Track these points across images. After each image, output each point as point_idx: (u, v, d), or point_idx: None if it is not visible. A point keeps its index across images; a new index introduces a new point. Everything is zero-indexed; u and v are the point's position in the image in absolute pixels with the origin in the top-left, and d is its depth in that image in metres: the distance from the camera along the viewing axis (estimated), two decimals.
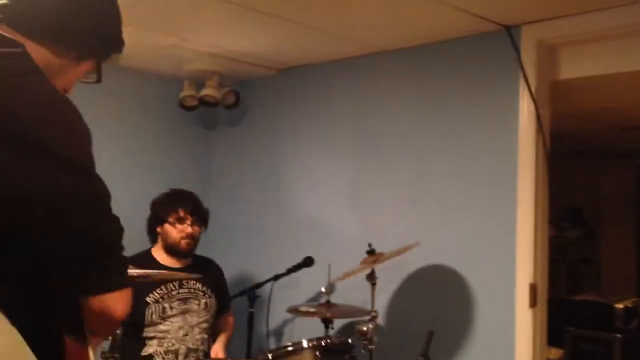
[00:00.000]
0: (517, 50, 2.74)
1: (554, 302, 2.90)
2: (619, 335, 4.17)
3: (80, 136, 1.06)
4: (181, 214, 2.91)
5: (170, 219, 2.90)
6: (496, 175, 2.82)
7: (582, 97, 3.86)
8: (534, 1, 2.53)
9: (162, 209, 2.94)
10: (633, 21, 2.47)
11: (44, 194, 0.98)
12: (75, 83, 1.23)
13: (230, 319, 3.16)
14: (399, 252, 2.75)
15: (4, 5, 1.13)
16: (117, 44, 1.25)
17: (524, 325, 2.70)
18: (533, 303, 2.70)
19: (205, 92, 3.59)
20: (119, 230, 1.08)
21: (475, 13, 2.64)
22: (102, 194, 1.06)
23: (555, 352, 4.31)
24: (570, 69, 2.78)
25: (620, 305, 4.33)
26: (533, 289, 2.70)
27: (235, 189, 3.90)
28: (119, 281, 1.09)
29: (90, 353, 1.16)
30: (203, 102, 3.63)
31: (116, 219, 1.08)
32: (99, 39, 1.21)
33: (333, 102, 3.46)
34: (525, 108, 2.74)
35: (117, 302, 1.08)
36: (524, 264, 2.71)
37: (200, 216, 2.98)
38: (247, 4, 2.63)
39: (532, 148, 2.72)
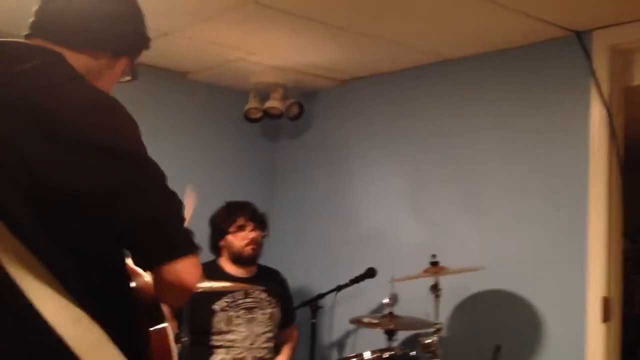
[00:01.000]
0: (589, 56, 2.67)
1: (629, 319, 2.77)
2: None
3: (131, 128, 1.17)
4: (241, 222, 2.96)
5: (231, 229, 2.96)
6: (567, 185, 2.73)
7: None
8: (605, 6, 2.46)
9: (222, 222, 3.00)
10: None
11: (113, 186, 1.10)
12: (114, 83, 1.34)
13: (295, 332, 3.17)
14: (462, 271, 2.70)
15: (32, 22, 1.24)
16: (143, 40, 1.35)
17: (596, 340, 2.60)
18: (606, 318, 2.59)
19: (270, 104, 3.64)
20: (179, 204, 1.18)
21: (544, 19, 2.59)
22: (157, 175, 1.16)
23: None
24: None
25: None
26: (606, 302, 2.59)
27: (298, 200, 3.93)
28: (186, 248, 1.17)
29: (170, 335, 1.23)
30: (267, 114, 3.68)
31: (174, 194, 1.18)
32: (127, 37, 1.31)
33: (397, 113, 3.44)
34: (597, 115, 2.65)
35: (188, 269, 1.15)
36: (596, 277, 2.61)
37: (260, 221, 3.03)
38: (312, 17, 2.66)
39: (604, 157, 2.63)
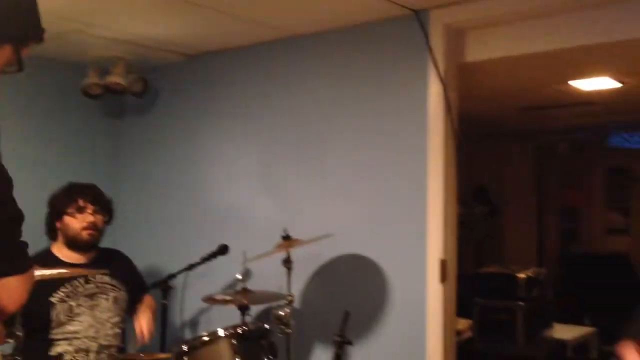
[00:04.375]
0: (426, 34, 2.81)
1: (462, 276, 3.02)
2: (521, 303, 4.40)
3: None
4: (81, 203, 2.76)
5: (70, 210, 2.75)
6: (407, 156, 2.89)
7: (487, 80, 4.01)
8: None
9: (60, 202, 2.77)
10: (532, 5, 2.58)
11: None
12: None
13: (147, 297, 2.99)
14: (313, 241, 2.77)
15: None
16: (35, 30, 1.23)
17: (435, 299, 2.80)
18: (443, 278, 2.80)
19: (111, 79, 3.45)
20: (18, 214, 1.06)
21: None
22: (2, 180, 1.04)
23: (464, 323, 4.51)
24: (476, 52, 2.88)
25: (522, 275, 4.57)
26: (443, 264, 2.80)
27: (146, 179, 3.79)
28: (18, 266, 1.05)
29: None
30: (109, 89, 3.48)
31: (15, 203, 1.05)
32: (14, 24, 1.18)
33: (244, 88, 3.42)
34: (434, 91, 2.81)
35: (6, 292, 1.03)
36: (435, 241, 2.80)
37: (102, 205, 2.84)
38: None
39: (441, 130, 2.80)
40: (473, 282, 4.69)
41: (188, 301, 3.14)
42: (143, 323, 2.80)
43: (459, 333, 4.10)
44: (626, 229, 6.89)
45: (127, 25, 3.06)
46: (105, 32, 3.12)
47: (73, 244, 2.77)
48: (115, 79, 3.45)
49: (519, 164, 7.22)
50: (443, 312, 2.79)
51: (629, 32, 2.51)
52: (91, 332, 2.70)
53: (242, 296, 2.80)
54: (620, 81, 4.40)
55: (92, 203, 2.78)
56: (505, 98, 5.11)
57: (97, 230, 2.79)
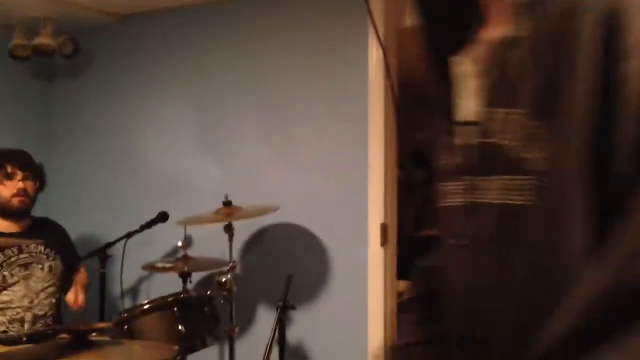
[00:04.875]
0: None
1: (403, 239, 3.07)
2: None
3: None
4: (9, 169, 2.66)
5: None
6: (348, 123, 2.89)
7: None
8: None
9: None
10: None
11: None
12: None
13: (80, 270, 2.94)
14: (257, 213, 2.74)
15: None
16: None
17: (375, 262, 2.84)
18: (384, 242, 2.84)
19: (39, 40, 3.29)
20: None
21: None
22: None
23: (404, 285, 4.61)
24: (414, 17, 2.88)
25: None
26: (384, 228, 2.84)
27: (79, 144, 3.66)
28: None
29: None
30: (37, 51, 3.32)
31: None
32: None
33: (179, 49, 3.33)
34: (374, 56, 2.81)
35: None
36: (375, 206, 2.84)
37: (33, 170, 2.74)
38: None
39: (381, 95, 2.81)
40: (413, 245, 4.78)
41: (128, 270, 3.07)
42: (70, 297, 2.76)
43: (399, 295, 4.19)
44: None
45: None
46: None
47: (3, 212, 2.68)
48: (44, 39, 3.29)
49: None
50: (384, 275, 2.84)
51: None
52: (25, 302, 2.63)
53: (183, 263, 2.77)
54: None
55: (21, 169, 2.68)
56: None
57: (27, 197, 2.70)
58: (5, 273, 2.62)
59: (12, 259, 2.64)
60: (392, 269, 2.94)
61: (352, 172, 2.88)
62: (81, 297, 2.77)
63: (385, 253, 2.85)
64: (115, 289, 3.31)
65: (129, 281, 3.32)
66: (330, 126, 2.94)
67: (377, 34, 2.78)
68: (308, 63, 2.99)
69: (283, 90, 3.06)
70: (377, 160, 2.82)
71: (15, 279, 2.64)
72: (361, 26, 2.82)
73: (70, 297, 2.77)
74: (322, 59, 2.95)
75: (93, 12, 3.34)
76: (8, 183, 2.66)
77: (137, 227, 3.06)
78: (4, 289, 2.61)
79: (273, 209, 2.70)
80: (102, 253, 2.98)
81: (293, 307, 2.68)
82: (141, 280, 3.38)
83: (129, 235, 3.04)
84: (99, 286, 2.97)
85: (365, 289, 2.85)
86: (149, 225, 3.07)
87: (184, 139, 3.34)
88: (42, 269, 2.72)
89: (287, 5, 3.03)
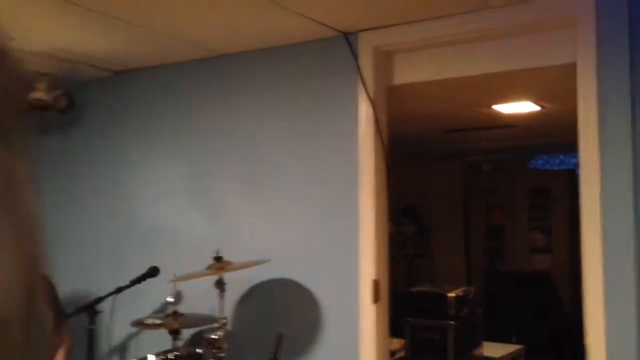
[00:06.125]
0: (355, 57, 2.85)
1: (394, 295, 3.05)
2: (452, 322, 4.49)
3: None
4: None
5: None
6: (339, 178, 2.91)
7: (414, 102, 4.11)
8: (368, 9, 2.64)
9: None
10: (453, 31, 2.68)
11: None
12: None
13: (65, 338, 2.91)
14: (247, 265, 2.73)
15: None
16: None
17: (367, 320, 2.81)
18: (376, 298, 2.82)
19: (34, 95, 3.32)
20: None
21: (312, 18, 2.70)
22: None
23: (397, 342, 4.55)
24: (403, 75, 2.94)
25: (452, 294, 4.66)
26: (376, 285, 2.82)
27: (70, 197, 3.65)
28: None
29: None
30: (32, 106, 3.35)
31: None
32: None
33: (171, 105, 3.38)
34: (364, 112, 2.85)
35: None
36: (367, 262, 2.83)
37: None
38: (77, 1, 2.47)
39: (371, 151, 2.84)
40: (404, 301, 4.75)
41: (117, 326, 3.03)
42: None
43: (392, 353, 4.13)
44: (548, 248, 7.17)
45: (50, 40, 2.97)
46: (27, 46, 3.01)
47: None
48: (39, 95, 3.33)
49: (445, 183, 7.42)
50: (376, 332, 2.81)
51: (547, 59, 2.64)
52: None
53: (173, 320, 2.73)
54: (540, 105, 4.62)
55: None
56: (431, 120, 5.26)
57: None
58: None
59: None
60: (385, 326, 2.91)
61: (343, 227, 2.88)
62: None
63: (378, 310, 2.83)
64: (104, 346, 3.25)
65: (118, 337, 3.26)
66: (321, 181, 2.96)
67: (366, 90, 2.83)
68: (297, 119, 3.03)
69: (272, 146, 3.09)
70: (368, 216, 2.83)
71: None
72: (351, 83, 2.87)
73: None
74: (311, 115, 2.99)
75: (87, 67, 3.39)
76: None
77: (126, 282, 3.03)
78: None
79: (263, 262, 2.69)
80: (91, 309, 2.93)
81: None
82: (130, 337, 3.32)
83: (119, 290, 3.00)
84: (87, 343, 2.91)
85: (357, 346, 2.81)
86: (139, 280, 3.03)
87: (174, 193, 3.34)
88: None
89: (276, 62, 3.08)
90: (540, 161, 7.50)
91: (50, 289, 2.91)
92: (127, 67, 3.46)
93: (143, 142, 3.46)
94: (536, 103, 4.55)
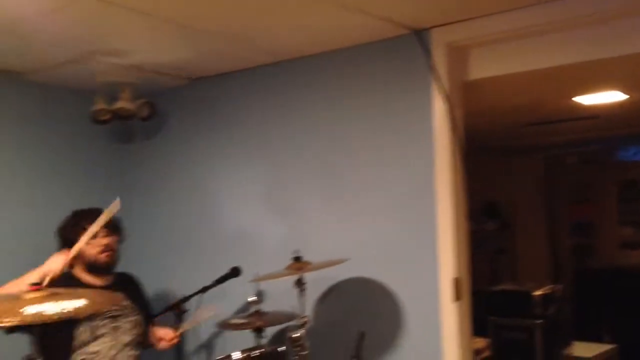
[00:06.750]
0: (428, 54, 2.82)
1: (476, 294, 3.00)
2: (538, 321, 4.36)
3: None
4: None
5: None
6: (415, 176, 2.89)
7: (491, 96, 4.02)
8: (440, 5, 2.60)
9: (70, 232, 2.80)
10: (535, 22, 2.59)
11: None
12: None
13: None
14: (326, 265, 2.76)
15: None
16: None
17: (449, 319, 2.78)
18: (457, 297, 2.78)
19: (119, 105, 3.49)
20: None
21: (383, 17, 2.69)
22: None
23: (481, 342, 4.47)
24: (480, 70, 2.88)
25: (538, 292, 4.53)
26: (457, 283, 2.78)
27: (156, 203, 3.81)
28: None
29: None
30: (117, 115, 3.52)
31: None
32: None
33: (247, 110, 3.45)
34: (439, 109, 2.82)
35: None
36: (447, 260, 2.79)
37: (112, 226, 2.87)
38: (157, 13, 2.58)
39: (447, 147, 2.80)
40: (487, 299, 4.66)
41: (202, 324, 3.13)
42: (163, 332, 2.90)
43: (477, 352, 4.06)
44: (639, 243, 6.82)
45: (132, 52, 3.10)
46: (111, 59, 3.17)
47: (93, 268, 2.80)
48: (123, 104, 3.48)
49: (527, 178, 7.20)
50: (458, 331, 2.77)
51: (634, 47, 2.51)
52: (112, 353, 2.72)
53: (256, 319, 2.80)
54: (626, 94, 4.40)
55: (103, 226, 2.81)
56: (511, 114, 5.11)
57: (113, 251, 2.83)
58: (96, 323, 2.72)
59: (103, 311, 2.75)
60: (467, 325, 2.86)
61: (421, 225, 2.86)
62: (173, 334, 2.88)
63: (459, 308, 2.79)
64: (191, 343, 3.36)
65: (204, 336, 3.37)
66: (397, 180, 2.94)
67: (440, 87, 2.80)
68: (371, 119, 3.02)
69: (347, 147, 3.09)
70: (446, 213, 2.79)
71: (104, 330, 2.73)
72: (424, 80, 2.84)
73: (162, 332, 2.88)
74: (385, 114, 2.98)
75: (167, 76, 3.52)
76: (92, 242, 2.79)
77: (210, 282, 3.13)
78: (95, 339, 2.70)
79: (341, 262, 2.71)
80: (177, 308, 3.04)
81: None
82: (216, 335, 3.43)
83: (204, 290, 3.10)
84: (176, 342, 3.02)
85: (439, 345, 2.78)
86: (222, 280, 3.12)
87: (254, 195, 3.41)
88: (127, 322, 2.81)
89: (348, 63, 3.09)
90: (630, 152, 7.13)
91: (140, 289, 3.05)
92: (204, 74, 3.57)
93: (222, 146, 3.55)
94: (625, 92, 4.34)
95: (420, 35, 2.83)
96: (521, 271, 7.04)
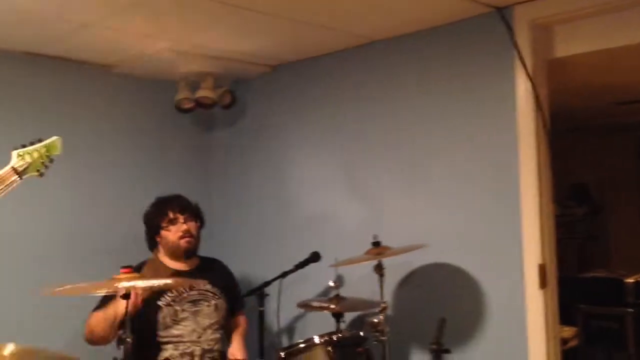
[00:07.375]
0: (511, 31, 2.73)
1: (564, 281, 2.88)
2: (630, 310, 4.16)
3: None
4: (171, 215, 2.90)
5: (163, 224, 2.90)
6: (497, 158, 2.81)
7: (578, 74, 3.84)
8: None
9: (153, 218, 2.94)
10: None
11: None
12: None
13: (241, 319, 3.14)
14: (406, 250, 2.74)
15: None
16: None
17: (535, 306, 2.69)
18: (543, 284, 2.69)
19: (201, 93, 3.58)
20: None
21: None
22: None
23: (569, 330, 4.31)
24: (565, 47, 2.76)
25: (630, 280, 4.32)
26: (542, 269, 2.69)
27: (237, 189, 3.89)
28: None
29: None
30: (199, 103, 3.62)
31: None
32: None
33: (330, 95, 3.45)
34: (522, 88, 2.72)
35: None
36: (531, 246, 2.70)
37: (191, 212, 2.97)
38: (237, 3, 2.62)
39: (531, 128, 2.70)
40: (576, 287, 4.49)
41: (283, 308, 3.19)
42: (236, 351, 2.93)
43: (564, 341, 3.92)
44: None
45: (212, 41, 3.17)
46: (192, 49, 3.25)
47: (174, 253, 2.92)
48: (205, 93, 3.57)
49: (620, 158, 6.83)
50: (544, 319, 2.68)
51: None
52: (194, 337, 2.82)
53: (335, 303, 2.82)
54: None
55: (181, 212, 2.92)
56: (600, 92, 4.87)
57: (192, 237, 2.93)
58: (177, 308, 2.83)
59: (184, 295, 2.86)
60: (554, 312, 2.76)
61: (504, 210, 2.77)
62: (243, 353, 2.93)
63: (546, 296, 2.69)
64: (272, 326, 3.43)
65: (284, 319, 3.43)
66: (479, 162, 2.87)
67: (524, 66, 2.69)
68: (453, 100, 2.96)
69: (428, 129, 3.04)
70: (530, 196, 2.70)
71: (186, 314, 2.84)
72: (507, 59, 2.75)
73: (233, 351, 2.94)
74: (467, 95, 2.91)
75: (247, 64, 3.57)
76: (172, 228, 2.90)
77: (291, 266, 3.17)
78: (177, 323, 2.82)
79: (421, 247, 2.68)
80: (259, 292, 3.11)
81: (448, 351, 2.61)
82: (297, 318, 3.48)
83: (285, 274, 3.16)
84: (258, 323, 3.10)
85: (524, 334, 2.70)
86: (302, 265, 3.17)
87: (333, 180, 3.42)
88: (208, 306, 2.90)
89: (429, 44, 3.03)
90: None
91: (227, 273, 3.14)
92: (283, 61, 3.60)
93: (302, 133, 3.58)
94: None
95: (502, 13, 2.74)
96: (613, 258, 6.72)
